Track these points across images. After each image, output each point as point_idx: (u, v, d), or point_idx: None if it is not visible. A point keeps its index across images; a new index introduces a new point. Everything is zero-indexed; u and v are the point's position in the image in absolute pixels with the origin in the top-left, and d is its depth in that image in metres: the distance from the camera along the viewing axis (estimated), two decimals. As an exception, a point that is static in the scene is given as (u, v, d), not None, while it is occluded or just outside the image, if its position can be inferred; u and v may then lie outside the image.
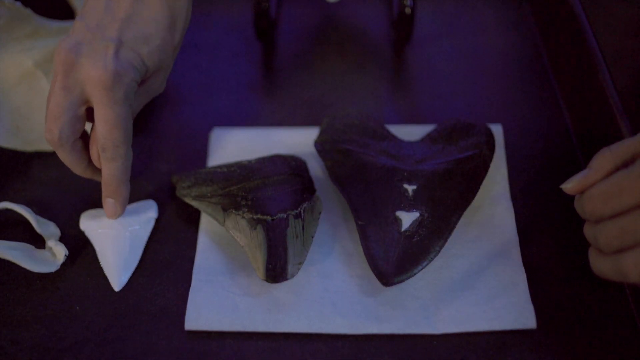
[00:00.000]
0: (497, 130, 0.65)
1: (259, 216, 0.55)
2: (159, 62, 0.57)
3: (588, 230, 0.48)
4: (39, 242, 0.59)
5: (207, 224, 0.60)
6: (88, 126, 0.58)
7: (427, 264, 0.54)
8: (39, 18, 0.68)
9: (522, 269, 0.56)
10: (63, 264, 0.57)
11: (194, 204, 0.59)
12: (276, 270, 0.53)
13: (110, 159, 0.56)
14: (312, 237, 0.56)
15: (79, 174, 0.59)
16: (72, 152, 0.57)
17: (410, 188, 0.57)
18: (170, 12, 0.57)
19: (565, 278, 0.55)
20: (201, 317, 0.54)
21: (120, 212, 0.59)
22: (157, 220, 0.61)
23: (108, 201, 0.58)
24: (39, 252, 0.58)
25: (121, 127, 0.55)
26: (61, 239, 0.59)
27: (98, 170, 0.59)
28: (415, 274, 0.53)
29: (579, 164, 0.64)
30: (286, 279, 0.53)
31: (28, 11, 0.66)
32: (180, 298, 0.56)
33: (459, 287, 0.55)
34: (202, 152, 0.67)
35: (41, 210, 0.61)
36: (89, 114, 0.57)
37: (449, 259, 0.57)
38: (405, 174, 0.58)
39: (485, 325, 0.52)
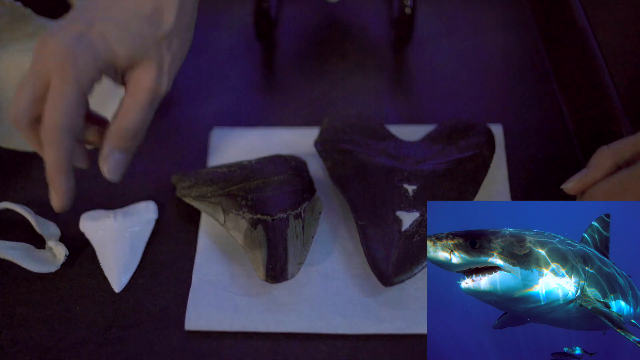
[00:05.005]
0: (497, 130, 0.65)
1: (259, 216, 0.55)
2: (133, 50, 0.54)
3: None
4: (39, 242, 0.59)
5: (207, 224, 0.60)
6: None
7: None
8: (39, 18, 0.67)
9: (522, 269, 0.56)
10: (63, 264, 0.57)
11: (194, 204, 0.59)
12: (276, 270, 0.53)
13: (46, 142, 0.52)
14: (312, 237, 0.56)
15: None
16: (28, 133, 0.53)
17: (410, 188, 0.57)
18: (155, 3, 0.55)
19: (566, 278, 0.55)
20: (201, 317, 0.54)
21: (63, 206, 0.53)
22: (157, 221, 0.61)
23: (50, 192, 0.53)
24: (39, 252, 0.58)
25: (63, 110, 0.51)
26: (61, 239, 0.59)
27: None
28: (415, 274, 0.53)
29: (579, 164, 0.64)
30: (286, 279, 0.53)
31: (28, 11, 0.66)
32: (180, 298, 0.56)
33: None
34: (202, 152, 0.67)
35: (41, 210, 0.61)
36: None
37: (449, 259, 0.57)
38: (405, 174, 0.58)
39: (486, 325, 0.52)
